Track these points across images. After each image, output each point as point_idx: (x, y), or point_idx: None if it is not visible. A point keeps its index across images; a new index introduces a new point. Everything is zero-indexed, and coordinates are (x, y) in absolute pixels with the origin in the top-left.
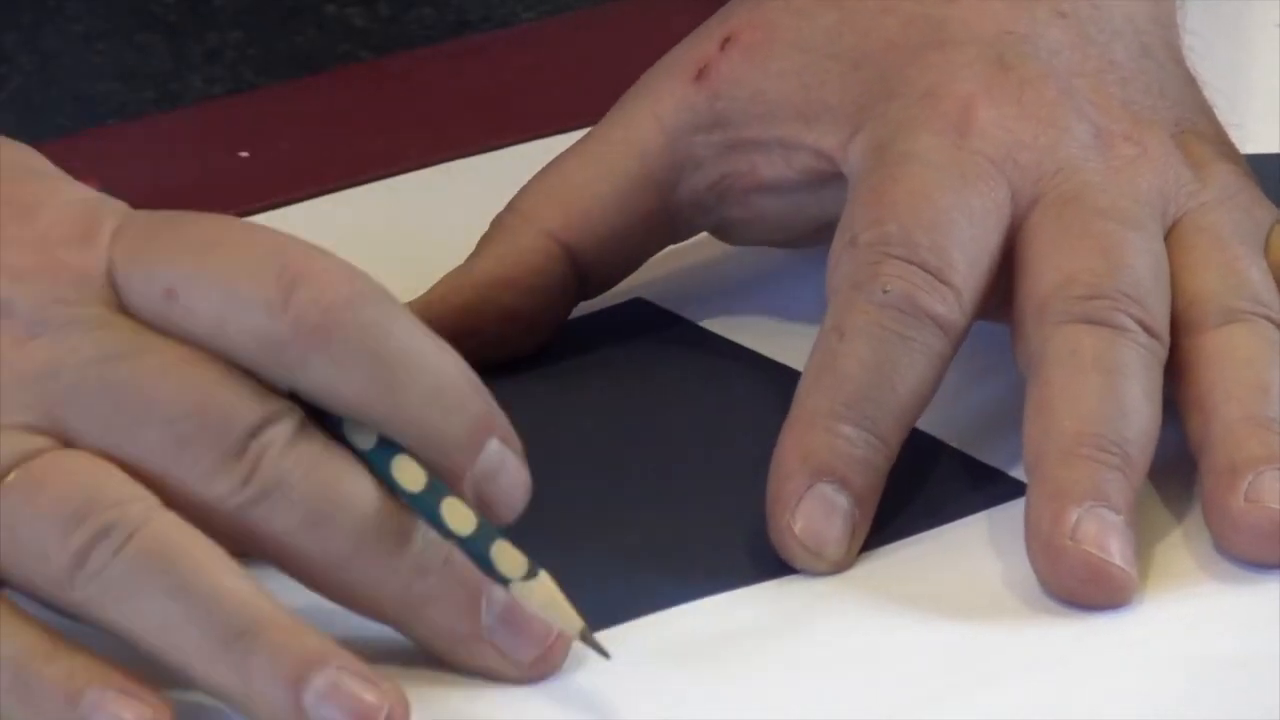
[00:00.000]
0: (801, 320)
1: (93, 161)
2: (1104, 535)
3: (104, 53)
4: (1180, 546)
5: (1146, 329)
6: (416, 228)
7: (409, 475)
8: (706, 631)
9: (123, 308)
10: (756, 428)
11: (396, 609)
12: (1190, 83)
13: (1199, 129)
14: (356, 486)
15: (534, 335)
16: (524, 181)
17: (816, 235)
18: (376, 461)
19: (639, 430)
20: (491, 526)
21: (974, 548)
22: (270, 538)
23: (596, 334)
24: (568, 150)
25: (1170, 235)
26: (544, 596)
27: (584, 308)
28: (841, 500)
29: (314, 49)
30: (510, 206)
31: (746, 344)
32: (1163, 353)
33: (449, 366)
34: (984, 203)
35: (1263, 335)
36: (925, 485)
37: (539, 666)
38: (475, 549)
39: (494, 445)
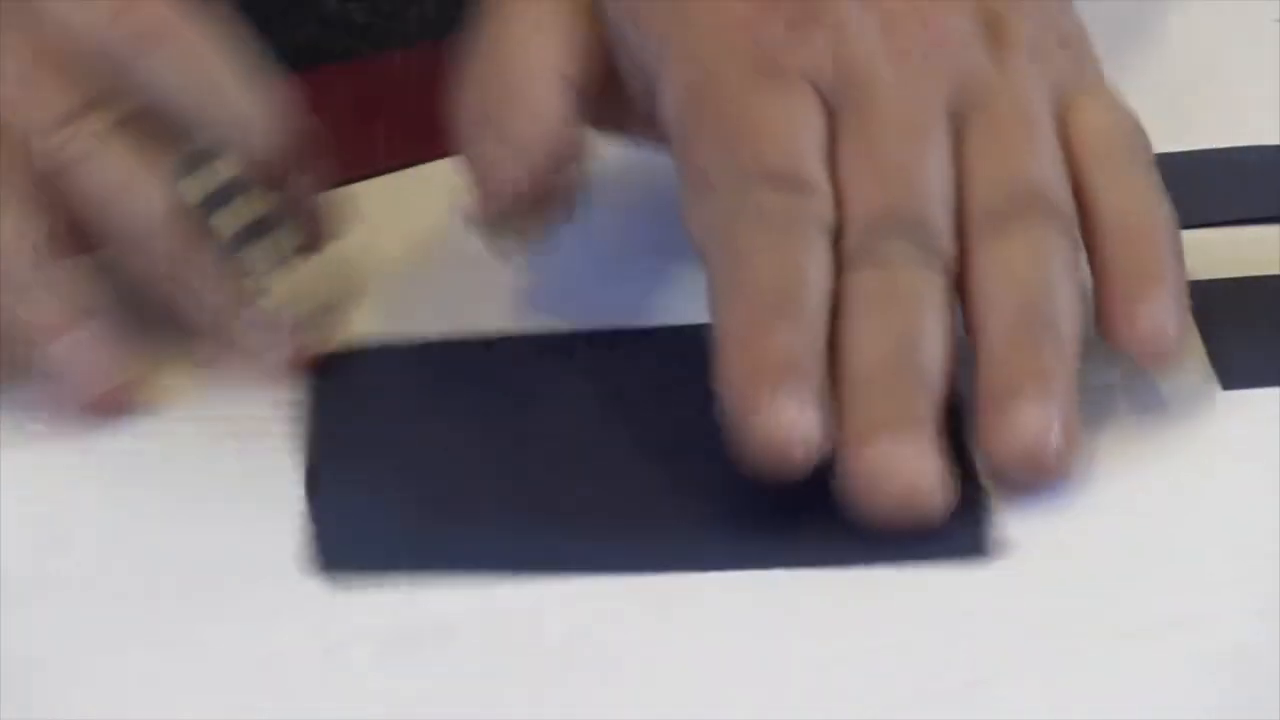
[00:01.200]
0: None
1: None
2: (918, 460)
3: None
4: (1180, 543)
5: (924, 250)
6: (417, 222)
7: (204, 181)
8: (695, 625)
9: None
10: None
11: (171, 292)
12: None
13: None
14: (153, 177)
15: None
16: None
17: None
18: (183, 165)
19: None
20: (263, 229)
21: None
22: (82, 202)
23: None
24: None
25: (964, 124)
26: (289, 288)
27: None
28: (805, 393)
29: (315, 44)
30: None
31: None
32: (949, 267)
33: (256, 90)
34: (808, 107)
35: (1034, 242)
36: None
37: (284, 365)
38: (236, 244)
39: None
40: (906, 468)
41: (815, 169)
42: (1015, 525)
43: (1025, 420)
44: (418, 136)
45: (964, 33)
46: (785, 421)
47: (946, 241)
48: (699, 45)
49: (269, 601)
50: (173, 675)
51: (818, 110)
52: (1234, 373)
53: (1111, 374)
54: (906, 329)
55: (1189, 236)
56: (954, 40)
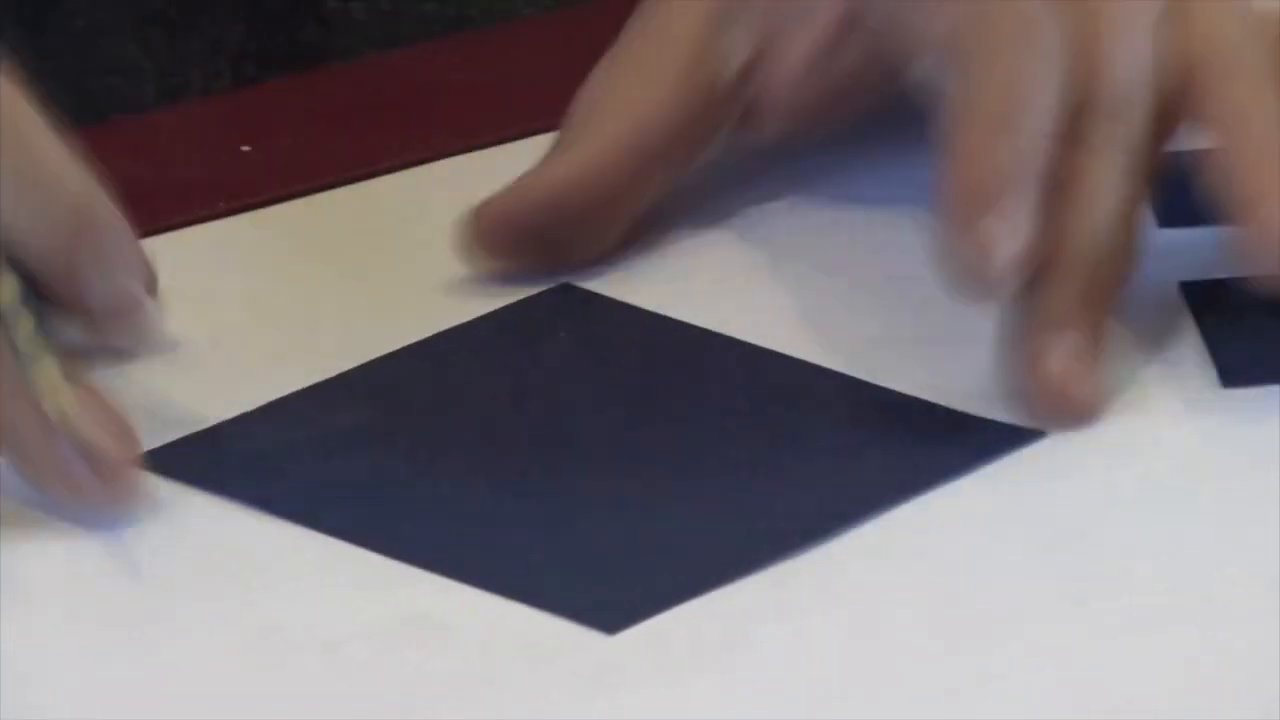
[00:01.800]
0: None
1: (95, 156)
2: (1074, 361)
3: (105, 48)
4: (1179, 541)
5: (1130, 148)
6: (418, 222)
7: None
8: (694, 624)
9: None
10: (719, 409)
11: None
12: None
13: None
14: None
15: (606, 235)
16: None
17: (828, 113)
18: None
19: (593, 416)
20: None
21: (969, 539)
22: None
23: (530, 318)
24: (612, 53)
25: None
26: (46, 380)
27: (513, 293)
28: (1024, 208)
29: (316, 44)
30: (569, 117)
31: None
32: (1147, 164)
33: (47, 163)
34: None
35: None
36: (917, 445)
37: (111, 495)
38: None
39: (89, 238)
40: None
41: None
42: (1015, 524)
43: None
44: (420, 136)
45: None
46: (988, 243)
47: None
48: None
49: (267, 598)
50: (171, 673)
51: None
52: (1234, 371)
53: (1111, 373)
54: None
55: (1191, 236)
56: None
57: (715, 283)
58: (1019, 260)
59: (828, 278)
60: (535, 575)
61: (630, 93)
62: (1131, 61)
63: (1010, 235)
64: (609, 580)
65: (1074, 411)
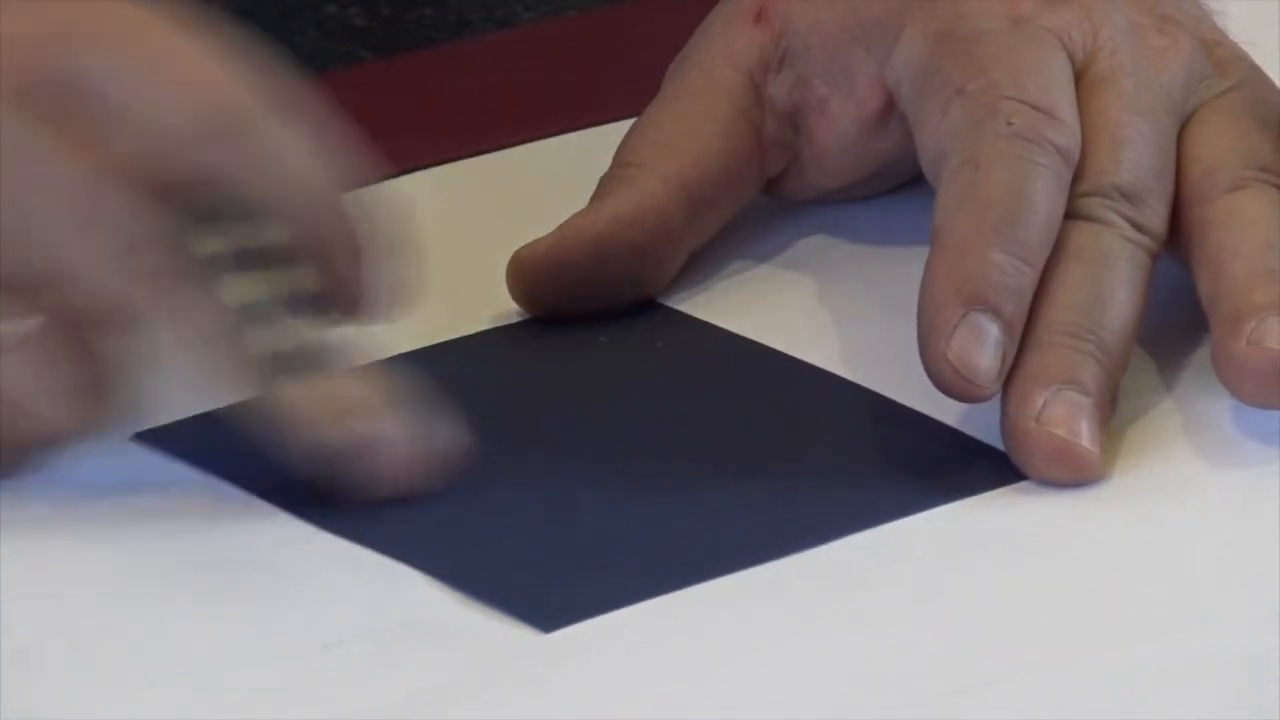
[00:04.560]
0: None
1: None
2: (1072, 417)
3: None
4: (1181, 544)
5: (1136, 225)
6: (417, 229)
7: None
8: (695, 625)
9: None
10: (738, 412)
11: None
12: (1207, 11)
13: (1220, 40)
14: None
15: (660, 274)
16: (524, 182)
17: (868, 183)
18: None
19: (612, 415)
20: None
21: (970, 541)
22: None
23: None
24: (654, 105)
25: (1188, 119)
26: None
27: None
28: (993, 329)
29: (314, 49)
30: (619, 161)
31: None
32: (1154, 248)
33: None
34: (1061, 60)
35: (1269, 198)
36: (925, 465)
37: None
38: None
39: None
40: (1058, 422)
41: (1068, 109)
42: (1016, 526)
43: (1272, 332)
44: (420, 142)
45: (1195, 49)
46: (960, 352)
47: (1156, 226)
48: (947, 7)
49: (266, 598)
50: (169, 671)
51: (1070, 66)
52: None
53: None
54: (1095, 285)
55: None
56: (1187, 51)
57: (735, 284)
58: (995, 374)
59: (847, 282)
60: (487, 568)
61: (679, 138)
62: (1143, 160)
63: (974, 354)
64: (553, 579)
65: (1076, 463)
